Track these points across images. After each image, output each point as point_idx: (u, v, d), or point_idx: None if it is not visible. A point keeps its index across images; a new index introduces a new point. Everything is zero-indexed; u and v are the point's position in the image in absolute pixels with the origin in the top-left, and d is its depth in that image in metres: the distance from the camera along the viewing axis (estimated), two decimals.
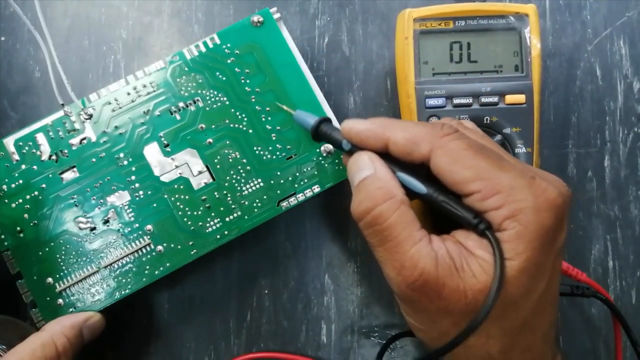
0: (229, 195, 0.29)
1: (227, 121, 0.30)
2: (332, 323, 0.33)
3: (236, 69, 0.30)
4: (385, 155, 0.24)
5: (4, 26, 0.34)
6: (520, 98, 0.30)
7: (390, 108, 0.34)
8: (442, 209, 0.23)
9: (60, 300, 0.29)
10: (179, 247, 0.29)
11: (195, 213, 0.29)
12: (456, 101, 0.30)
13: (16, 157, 0.29)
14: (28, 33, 0.34)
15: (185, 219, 0.29)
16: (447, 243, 0.22)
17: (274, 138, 0.30)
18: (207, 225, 0.29)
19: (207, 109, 0.30)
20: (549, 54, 0.34)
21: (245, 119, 0.30)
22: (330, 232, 0.33)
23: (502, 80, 0.30)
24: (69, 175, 0.29)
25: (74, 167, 0.29)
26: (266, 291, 0.33)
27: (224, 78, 0.30)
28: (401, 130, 0.23)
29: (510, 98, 0.30)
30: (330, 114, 0.30)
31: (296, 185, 0.30)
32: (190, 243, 0.29)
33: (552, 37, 0.35)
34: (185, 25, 0.34)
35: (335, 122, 0.30)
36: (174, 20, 0.34)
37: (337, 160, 0.30)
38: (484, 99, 0.30)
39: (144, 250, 0.29)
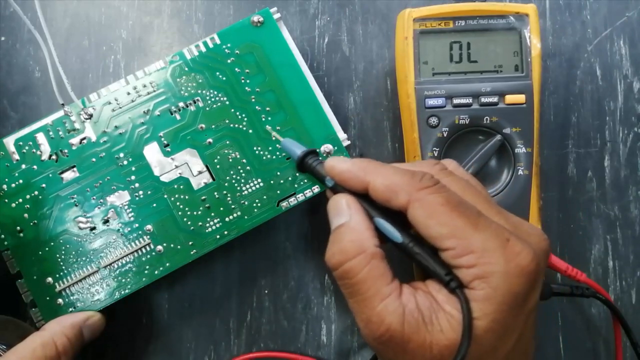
0: (228, 195, 0.29)
1: (227, 121, 0.30)
2: (332, 323, 0.33)
3: (236, 69, 0.30)
4: (367, 196, 0.24)
5: (4, 26, 0.34)
6: (520, 98, 0.30)
7: (390, 108, 0.34)
8: (415, 260, 0.23)
9: (60, 300, 0.28)
10: (179, 247, 0.29)
11: (195, 213, 0.29)
12: (456, 101, 0.30)
13: (16, 156, 0.29)
14: (28, 33, 0.34)
15: (185, 219, 0.29)
16: (418, 295, 0.22)
17: (273, 138, 0.30)
18: (207, 225, 0.29)
19: (207, 109, 0.30)
20: (549, 54, 0.34)
21: (245, 119, 0.30)
22: (330, 232, 0.33)
23: (502, 80, 0.30)
24: (69, 175, 0.29)
25: (74, 166, 0.29)
26: (266, 291, 0.33)
27: (224, 78, 0.30)
28: (381, 176, 0.23)
29: (510, 98, 0.30)
30: (330, 114, 0.30)
31: (296, 186, 0.30)
32: (190, 243, 0.29)
33: (552, 37, 0.35)
34: (185, 25, 0.34)
35: (335, 123, 0.30)
36: (174, 20, 0.34)
37: None
38: (484, 99, 0.30)
39: (144, 250, 0.29)
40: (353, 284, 0.22)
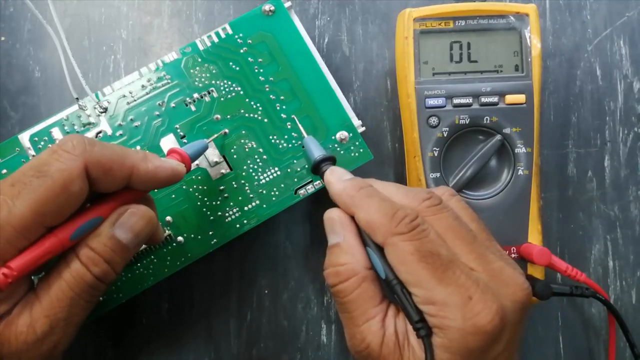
0: (246, 184, 0.30)
1: (242, 111, 0.30)
2: (332, 323, 0.33)
3: (249, 59, 0.30)
4: None
5: (4, 26, 0.34)
6: (521, 98, 0.30)
7: (390, 108, 0.34)
8: (394, 297, 0.24)
9: None
10: (199, 237, 0.29)
11: (214, 203, 0.29)
12: (456, 101, 0.30)
13: (32, 152, 0.29)
14: (28, 33, 0.34)
15: (204, 209, 0.29)
16: (399, 319, 0.24)
17: (289, 126, 0.30)
18: (226, 214, 0.29)
19: (222, 99, 0.30)
20: (549, 54, 0.34)
21: (260, 108, 0.30)
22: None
23: (502, 80, 0.30)
24: None
25: None
26: (266, 291, 0.33)
27: (237, 68, 0.30)
28: (364, 211, 0.24)
29: (510, 98, 0.30)
30: (344, 100, 0.30)
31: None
32: (210, 233, 0.29)
33: (552, 37, 0.35)
34: (185, 25, 0.34)
35: (349, 110, 0.30)
36: (174, 20, 0.34)
37: (352, 147, 0.30)
38: (484, 99, 0.30)
39: (165, 242, 0.29)
40: (343, 303, 0.24)
